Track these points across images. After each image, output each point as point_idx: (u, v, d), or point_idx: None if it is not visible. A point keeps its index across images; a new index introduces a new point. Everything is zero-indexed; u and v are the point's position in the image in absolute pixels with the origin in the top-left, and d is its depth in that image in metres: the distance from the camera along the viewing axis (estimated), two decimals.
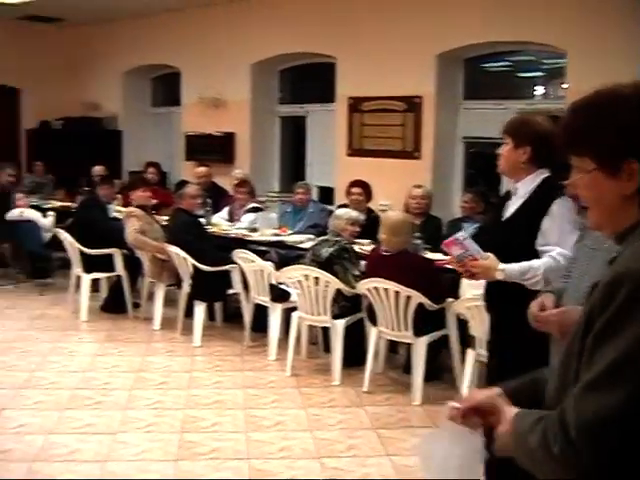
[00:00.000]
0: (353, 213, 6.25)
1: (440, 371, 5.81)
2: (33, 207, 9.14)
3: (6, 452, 4.45)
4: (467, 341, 5.16)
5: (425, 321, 5.32)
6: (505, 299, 3.50)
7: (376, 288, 5.35)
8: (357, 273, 5.80)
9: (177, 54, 11.70)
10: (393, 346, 6.13)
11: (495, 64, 8.85)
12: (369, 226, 6.67)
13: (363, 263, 5.92)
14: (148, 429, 4.83)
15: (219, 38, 10.96)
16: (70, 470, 4.24)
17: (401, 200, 7.09)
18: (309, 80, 11.00)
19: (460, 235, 3.51)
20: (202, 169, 9.10)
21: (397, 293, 5.24)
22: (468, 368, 5.05)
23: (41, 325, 7.29)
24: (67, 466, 4.29)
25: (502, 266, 3.38)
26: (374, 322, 5.55)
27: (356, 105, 9.43)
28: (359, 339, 5.82)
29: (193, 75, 11.55)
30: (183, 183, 8.54)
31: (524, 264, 3.37)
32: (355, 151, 9.49)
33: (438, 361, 5.78)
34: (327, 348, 6.09)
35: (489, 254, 3.43)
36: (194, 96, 11.37)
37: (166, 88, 13.02)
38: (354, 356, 5.79)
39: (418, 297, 5.22)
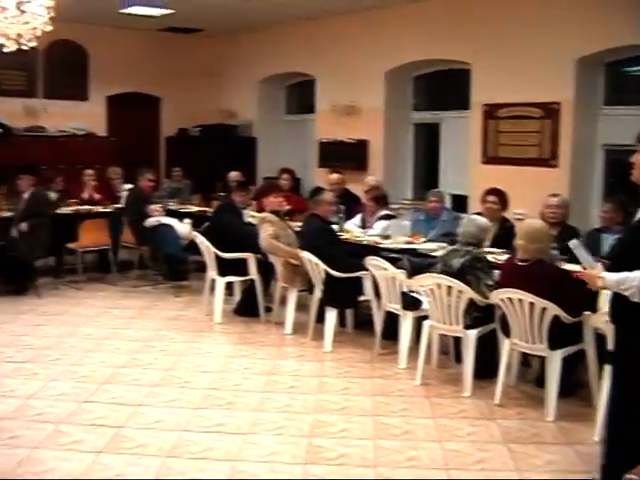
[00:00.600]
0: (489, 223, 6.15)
1: (575, 387, 5.59)
2: (170, 212, 9.43)
3: (142, 446, 4.61)
4: (605, 357, 4.95)
5: (561, 334, 5.15)
6: (628, 311, 3.46)
7: (510, 299, 5.22)
8: (490, 283, 5.68)
9: (312, 62, 11.85)
10: (526, 359, 5.96)
11: (639, 68, 8.51)
12: (503, 236, 6.53)
13: (496, 272, 5.80)
14: (278, 431, 4.87)
15: (353, 46, 11.03)
16: (202, 468, 4.34)
17: (537, 209, 6.90)
18: (443, 87, 10.91)
19: (571, 243, 3.77)
20: (336, 176, 9.16)
21: (532, 304, 5.09)
22: (605, 385, 4.85)
23: (176, 326, 7.51)
24: (199, 463, 4.38)
25: (603, 274, 3.48)
26: (507, 333, 5.42)
27: (491, 112, 9.29)
28: (491, 350, 5.69)
29: (327, 83, 11.66)
30: (318, 190, 8.62)
31: (622, 274, 3.39)
32: (490, 159, 9.35)
33: (574, 376, 5.57)
34: (458, 358, 6.00)
35: (598, 264, 3.60)
36: (328, 103, 11.48)
37: (300, 96, 13.22)
38: (486, 367, 5.67)
39: (554, 309, 5.06)
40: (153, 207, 9.03)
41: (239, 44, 13.18)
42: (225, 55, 13.48)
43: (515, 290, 5.17)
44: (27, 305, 8.21)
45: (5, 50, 6.36)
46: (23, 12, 6.03)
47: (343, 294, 6.77)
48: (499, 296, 5.33)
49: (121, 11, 11.10)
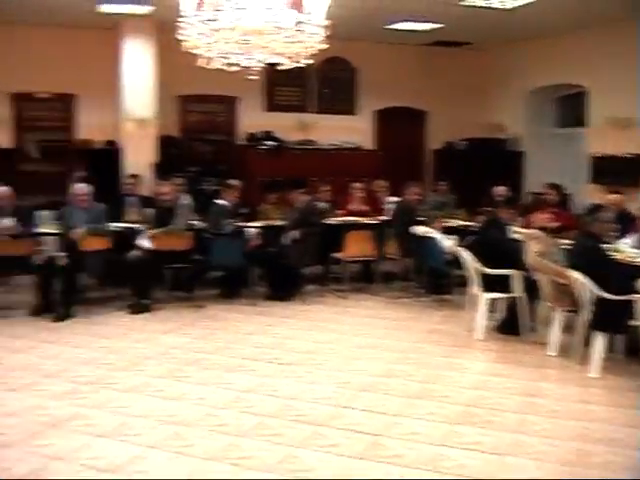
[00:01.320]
0: None
1: None
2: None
3: (399, 456, 4.60)
4: None
5: None
6: None
7: None
8: None
9: (585, 73, 11.45)
10: None
11: None
12: None
13: None
14: (536, 456, 4.67)
15: (630, 55, 10.47)
16: None
17: None
18: None
19: None
20: (615, 196, 8.86)
21: None
22: None
23: (435, 339, 7.48)
24: None
25: None
26: None
27: None
28: None
29: (601, 94, 11.19)
30: (597, 207, 8.29)
31: None
32: None
33: None
34: None
35: None
36: (601, 116, 11.01)
37: (569, 108, 12.79)
38: None
39: None
40: (438, 219, 9.15)
41: (507, 56, 13.00)
42: (492, 67, 13.35)
43: None
44: (293, 310, 8.58)
45: (279, 68, 6.69)
46: (300, 32, 6.28)
47: (613, 317, 6.37)
48: None
49: (388, 27, 11.33)
